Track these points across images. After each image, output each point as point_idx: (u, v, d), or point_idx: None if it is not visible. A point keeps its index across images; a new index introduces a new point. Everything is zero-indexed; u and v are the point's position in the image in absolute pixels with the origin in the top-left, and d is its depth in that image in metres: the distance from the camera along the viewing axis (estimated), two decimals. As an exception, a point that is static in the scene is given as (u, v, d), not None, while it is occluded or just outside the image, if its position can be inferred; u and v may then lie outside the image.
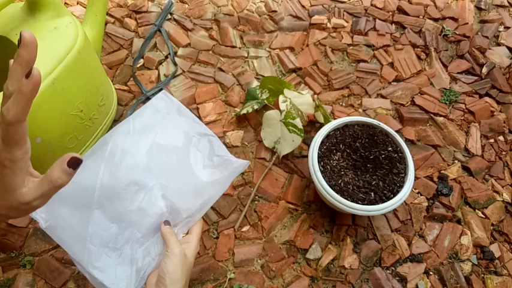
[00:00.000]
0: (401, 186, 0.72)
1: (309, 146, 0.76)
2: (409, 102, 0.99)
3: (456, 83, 1.04)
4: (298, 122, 0.82)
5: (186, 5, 1.13)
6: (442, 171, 0.89)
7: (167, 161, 0.56)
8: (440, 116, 0.97)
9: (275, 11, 1.13)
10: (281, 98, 0.85)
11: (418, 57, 1.07)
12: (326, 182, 0.71)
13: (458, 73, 1.06)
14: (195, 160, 0.58)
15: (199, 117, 0.91)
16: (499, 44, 1.13)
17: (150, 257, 0.55)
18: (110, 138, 0.56)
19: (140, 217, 0.54)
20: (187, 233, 0.59)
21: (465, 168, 0.90)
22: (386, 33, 1.11)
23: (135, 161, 0.54)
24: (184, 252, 0.55)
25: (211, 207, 0.77)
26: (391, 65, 1.05)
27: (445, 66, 1.07)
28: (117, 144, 0.55)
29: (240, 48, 1.05)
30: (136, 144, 0.56)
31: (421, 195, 0.85)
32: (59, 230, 0.54)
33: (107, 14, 1.06)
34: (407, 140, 0.92)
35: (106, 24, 1.04)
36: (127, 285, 0.53)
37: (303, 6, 1.15)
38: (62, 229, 0.54)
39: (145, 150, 0.56)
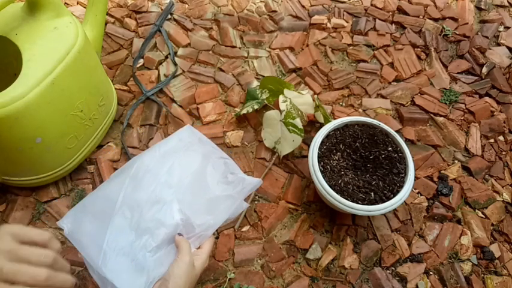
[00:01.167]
0: (401, 186, 0.72)
1: (309, 146, 0.76)
2: (409, 102, 0.99)
3: (456, 83, 1.04)
4: (298, 122, 0.82)
5: (186, 5, 1.13)
6: (442, 171, 0.89)
7: (185, 178, 0.61)
8: (440, 116, 0.97)
9: (275, 11, 1.13)
10: (281, 98, 0.85)
11: (418, 57, 1.07)
12: (326, 182, 0.71)
13: (458, 73, 1.06)
14: (210, 177, 0.63)
15: (199, 117, 0.92)
16: (499, 44, 1.13)
17: (163, 267, 0.56)
18: (137, 160, 0.62)
19: (156, 227, 0.58)
20: (198, 248, 0.60)
21: (465, 168, 0.90)
22: (387, 33, 1.11)
23: (156, 177, 0.60)
24: (193, 262, 0.56)
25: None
26: (391, 65, 1.05)
27: (445, 66, 1.07)
28: (142, 163, 0.62)
29: (240, 48, 1.05)
30: (159, 164, 0.61)
31: (421, 195, 0.85)
32: (79, 235, 0.58)
33: (107, 14, 1.06)
34: (407, 140, 0.92)
35: (106, 24, 1.04)
36: None
37: (303, 6, 1.15)
38: (82, 234, 0.58)
39: (167, 168, 0.61)
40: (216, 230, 0.77)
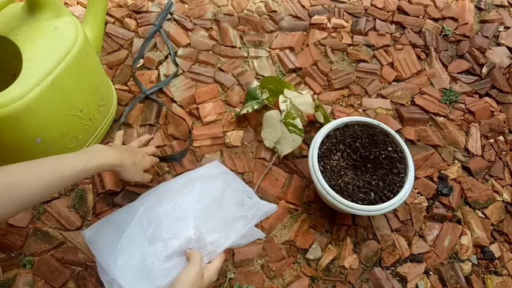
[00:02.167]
0: (401, 186, 0.72)
1: (309, 146, 0.76)
2: (409, 102, 0.99)
3: (456, 83, 1.04)
4: (298, 122, 0.82)
5: (186, 5, 1.13)
6: (442, 171, 0.89)
7: (204, 199, 0.65)
8: (440, 116, 0.97)
9: (275, 11, 1.13)
10: (281, 98, 0.85)
11: (418, 57, 1.07)
12: (326, 182, 0.71)
13: (458, 73, 1.06)
14: (228, 199, 0.67)
15: (199, 117, 0.92)
16: (499, 44, 1.13)
17: (169, 277, 0.58)
18: (164, 184, 0.70)
19: (170, 237, 0.61)
20: (208, 263, 0.62)
21: (465, 168, 0.90)
22: (387, 33, 1.11)
23: (177, 196, 0.65)
24: (202, 273, 0.58)
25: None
26: (391, 65, 1.05)
27: (445, 66, 1.07)
28: (167, 186, 0.68)
29: (240, 48, 1.05)
30: (182, 187, 0.66)
31: (421, 195, 0.85)
32: (97, 239, 0.62)
33: (107, 14, 1.06)
34: (407, 140, 0.92)
35: (106, 24, 1.04)
36: None
37: (303, 6, 1.15)
38: (100, 238, 0.62)
39: (188, 190, 0.66)
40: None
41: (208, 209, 0.65)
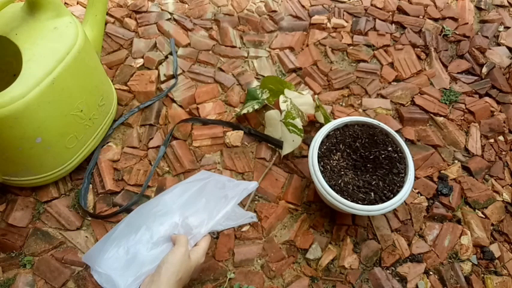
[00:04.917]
0: (401, 186, 0.72)
1: (309, 146, 0.76)
2: (409, 102, 0.99)
3: (456, 83, 1.04)
4: (298, 122, 0.82)
5: (186, 5, 1.13)
6: (442, 171, 0.89)
7: (187, 193, 0.68)
8: (440, 116, 0.97)
9: (275, 11, 1.13)
10: (281, 98, 0.85)
11: (418, 57, 1.07)
12: (326, 182, 0.71)
13: (458, 73, 1.06)
14: (209, 187, 0.70)
15: (199, 117, 0.91)
16: (499, 44, 1.13)
17: (158, 262, 0.59)
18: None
19: (155, 225, 0.63)
20: (194, 246, 0.63)
21: (465, 168, 0.90)
22: (387, 33, 1.11)
23: (161, 197, 0.68)
24: (189, 253, 0.58)
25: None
26: (391, 65, 1.05)
27: (445, 66, 1.07)
28: (155, 197, 0.70)
29: (240, 48, 1.05)
30: (171, 189, 0.70)
31: (421, 195, 0.85)
32: (90, 252, 0.63)
33: (107, 14, 1.06)
34: (407, 140, 0.92)
35: (106, 24, 1.04)
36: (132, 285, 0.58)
37: (303, 6, 1.15)
38: (93, 250, 0.63)
39: (176, 189, 0.69)
40: (218, 232, 0.77)
41: (191, 198, 0.67)
